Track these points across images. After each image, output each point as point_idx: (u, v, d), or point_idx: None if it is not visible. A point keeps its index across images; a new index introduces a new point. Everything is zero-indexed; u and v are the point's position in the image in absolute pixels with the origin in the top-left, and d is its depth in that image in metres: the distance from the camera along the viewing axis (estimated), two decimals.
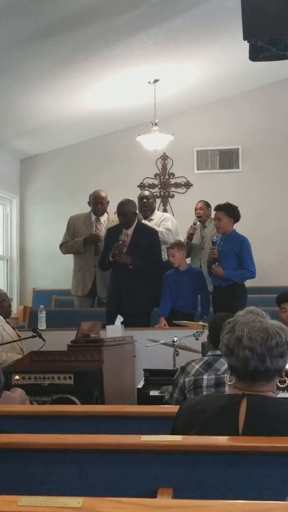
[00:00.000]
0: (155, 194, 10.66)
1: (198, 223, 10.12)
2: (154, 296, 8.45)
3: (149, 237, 8.52)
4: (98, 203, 9.21)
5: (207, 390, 4.49)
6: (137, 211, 8.75)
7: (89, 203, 9.49)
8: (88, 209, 9.48)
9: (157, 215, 9.63)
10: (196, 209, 10.23)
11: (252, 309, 2.88)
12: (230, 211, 8.08)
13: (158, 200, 11.07)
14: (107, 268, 8.56)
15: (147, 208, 9.39)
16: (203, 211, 10.14)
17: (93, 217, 9.30)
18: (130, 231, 8.44)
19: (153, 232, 8.67)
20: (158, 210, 10.30)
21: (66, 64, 8.85)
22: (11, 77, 8.78)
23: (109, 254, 8.28)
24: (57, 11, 7.35)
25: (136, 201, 9.06)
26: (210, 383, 4.51)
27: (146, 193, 9.80)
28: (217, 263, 8.01)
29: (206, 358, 4.67)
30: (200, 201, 10.31)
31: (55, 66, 8.85)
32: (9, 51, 8.02)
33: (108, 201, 9.26)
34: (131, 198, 8.69)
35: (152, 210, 9.50)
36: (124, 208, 8.42)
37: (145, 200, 9.42)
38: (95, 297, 9.25)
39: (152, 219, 9.37)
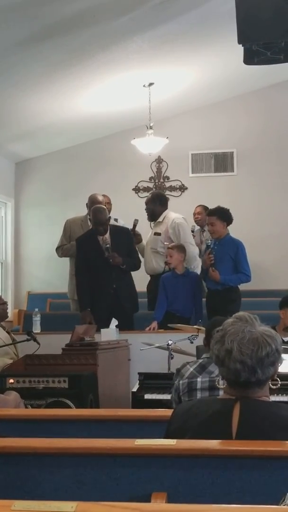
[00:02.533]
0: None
1: (196, 228, 10.12)
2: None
3: (125, 236, 8.57)
4: None
5: (201, 392, 4.48)
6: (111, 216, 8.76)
7: (86, 205, 9.53)
8: (84, 212, 9.46)
9: (167, 218, 9.35)
10: (194, 214, 10.23)
11: (241, 316, 2.85)
12: (222, 215, 8.09)
13: None
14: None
15: (148, 214, 9.23)
16: (201, 215, 10.14)
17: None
18: (106, 235, 8.41)
19: (125, 231, 8.72)
20: None
21: (61, 67, 8.86)
22: (6, 81, 8.78)
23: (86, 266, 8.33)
24: (52, 15, 7.36)
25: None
26: (204, 385, 4.51)
27: (147, 198, 9.60)
28: (213, 268, 8.01)
29: (200, 360, 4.67)
30: (199, 205, 10.31)
31: (50, 70, 8.85)
32: (4, 54, 8.02)
33: (107, 203, 9.22)
34: (100, 205, 8.61)
35: (153, 214, 9.15)
36: (102, 217, 8.35)
37: (145, 207, 9.27)
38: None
39: (160, 221, 9.17)
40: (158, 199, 9.48)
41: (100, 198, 9.15)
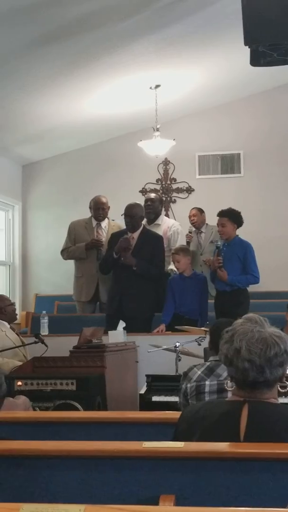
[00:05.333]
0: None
1: (193, 230, 10.15)
2: (156, 302, 8.44)
3: (154, 242, 8.54)
4: (99, 209, 9.19)
5: (209, 395, 4.48)
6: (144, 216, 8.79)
7: (90, 208, 9.51)
8: (89, 214, 9.47)
9: (165, 221, 9.58)
10: (190, 217, 10.25)
11: (250, 317, 2.86)
12: (233, 217, 8.09)
13: None
14: (109, 269, 8.56)
15: (150, 211, 9.38)
16: (196, 217, 10.16)
17: (94, 223, 9.28)
18: (135, 235, 8.46)
19: (158, 238, 8.68)
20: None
21: (67, 70, 8.86)
22: (12, 83, 8.79)
23: (109, 257, 8.32)
24: (58, 17, 7.36)
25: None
26: (212, 388, 4.50)
27: (152, 195, 9.78)
28: (221, 268, 8.00)
29: (208, 363, 4.66)
30: (193, 208, 10.33)
31: (56, 72, 8.86)
32: (11, 57, 8.03)
33: (109, 207, 9.25)
34: (139, 203, 8.75)
35: (156, 214, 9.47)
36: (132, 211, 8.46)
37: (149, 203, 9.41)
38: (97, 302, 9.24)
39: (158, 224, 9.33)
40: (161, 200, 9.61)
41: (104, 200, 9.20)
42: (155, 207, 9.43)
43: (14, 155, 11.67)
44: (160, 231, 9.18)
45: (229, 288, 8.00)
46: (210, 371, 4.56)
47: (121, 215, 8.64)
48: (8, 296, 11.20)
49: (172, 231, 9.30)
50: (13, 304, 7.60)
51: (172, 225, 9.46)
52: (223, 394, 4.35)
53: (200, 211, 10.15)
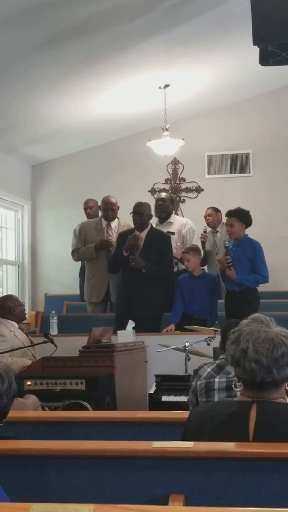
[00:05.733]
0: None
1: (208, 229, 10.14)
2: (166, 302, 8.44)
3: (162, 242, 8.54)
4: (108, 209, 9.20)
5: (219, 393, 4.48)
6: (152, 215, 8.79)
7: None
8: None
9: (177, 219, 9.57)
10: (205, 216, 10.24)
11: (256, 317, 2.85)
12: (242, 217, 8.06)
13: None
14: (118, 268, 8.56)
15: (162, 210, 9.36)
16: (211, 217, 10.17)
17: (104, 223, 9.29)
18: (143, 234, 8.46)
19: (166, 238, 8.67)
20: None
21: (76, 70, 8.87)
22: (21, 84, 8.81)
23: (121, 254, 8.32)
24: (67, 17, 7.37)
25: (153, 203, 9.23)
26: (221, 385, 4.50)
27: (163, 195, 9.77)
28: (230, 267, 7.99)
29: (218, 361, 4.67)
30: (209, 207, 10.32)
31: (65, 73, 8.87)
32: (20, 57, 8.05)
33: (119, 207, 9.25)
34: (147, 201, 8.76)
35: (167, 213, 9.44)
36: (141, 208, 8.49)
37: (160, 203, 9.38)
38: (108, 303, 9.25)
39: (171, 222, 9.33)
40: (172, 199, 9.61)
41: (113, 200, 9.20)
42: (166, 206, 9.42)
43: (23, 155, 11.69)
44: (173, 229, 9.18)
45: (238, 287, 7.98)
46: (219, 368, 4.56)
47: (130, 213, 8.64)
48: (18, 296, 11.25)
49: (187, 229, 9.27)
50: (22, 304, 7.61)
51: (186, 223, 9.43)
52: (232, 391, 4.35)
53: (216, 210, 10.13)
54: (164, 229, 9.10)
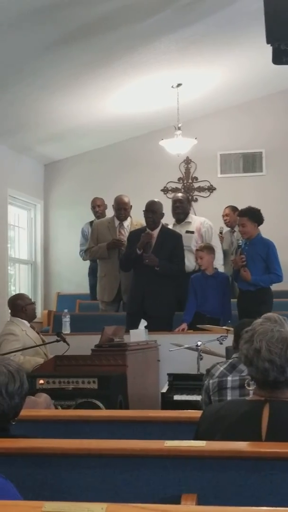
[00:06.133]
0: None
1: (225, 229, 10.12)
2: (177, 300, 8.45)
3: (174, 240, 8.53)
4: (121, 209, 9.19)
5: (232, 391, 4.47)
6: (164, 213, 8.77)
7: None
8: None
9: (195, 219, 9.49)
10: (223, 216, 10.21)
11: (270, 317, 2.85)
12: (253, 216, 8.01)
13: None
14: (130, 267, 8.54)
15: (180, 211, 9.28)
16: (229, 216, 10.16)
17: (117, 222, 9.29)
18: (155, 233, 8.45)
19: (177, 236, 8.67)
20: None
21: (89, 69, 8.88)
22: (34, 83, 8.82)
23: (134, 252, 8.31)
24: (80, 17, 7.38)
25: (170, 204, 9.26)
26: (234, 384, 4.50)
27: (179, 195, 9.60)
28: (245, 268, 7.95)
29: (230, 360, 4.66)
30: (227, 207, 10.29)
31: (78, 72, 8.88)
32: (32, 57, 8.06)
33: (131, 206, 9.25)
34: (160, 200, 8.76)
35: (186, 214, 9.33)
36: (155, 206, 8.48)
37: (178, 204, 9.28)
38: (120, 302, 9.25)
39: (189, 222, 9.28)
40: (188, 199, 9.57)
41: (126, 199, 9.20)
42: (184, 207, 9.30)
43: (36, 154, 11.71)
44: (192, 228, 9.14)
45: (253, 287, 7.96)
46: (232, 367, 4.56)
47: (143, 211, 8.63)
48: (30, 294, 11.28)
49: (206, 228, 9.20)
50: (33, 303, 7.62)
51: (204, 221, 9.34)
52: (245, 390, 4.35)
53: (234, 209, 10.07)
54: (183, 229, 9.07)
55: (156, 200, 8.67)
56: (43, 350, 7.12)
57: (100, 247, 9.12)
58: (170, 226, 9.21)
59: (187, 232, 9.01)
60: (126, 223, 9.26)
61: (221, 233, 10.09)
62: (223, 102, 11.33)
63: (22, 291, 10.89)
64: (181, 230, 9.03)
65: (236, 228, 9.96)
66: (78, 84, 9.24)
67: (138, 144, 11.93)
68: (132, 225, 9.22)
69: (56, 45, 7.93)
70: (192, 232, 9.06)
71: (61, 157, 12.20)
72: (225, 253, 9.81)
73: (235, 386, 4.48)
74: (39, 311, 11.50)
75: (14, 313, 7.32)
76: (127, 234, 9.05)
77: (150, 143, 11.48)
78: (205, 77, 10.13)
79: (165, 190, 11.79)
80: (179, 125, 10.35)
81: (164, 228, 8.67)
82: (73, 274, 11.80)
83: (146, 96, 10.22)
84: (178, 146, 10.58)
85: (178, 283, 8.45)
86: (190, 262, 8.82)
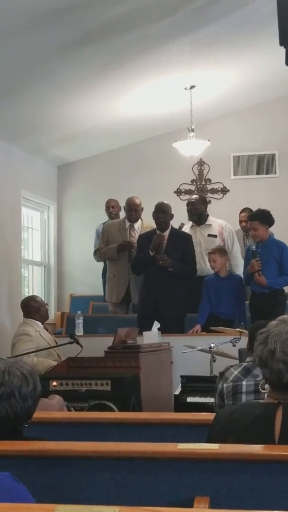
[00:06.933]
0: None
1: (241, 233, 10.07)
2: (188, 301, 8.45)
3: (184, 241, 8.55)
4: (132, 210, 9.20)
5: (246, 396, 4.46)
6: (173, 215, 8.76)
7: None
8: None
9: (215, 222, 9.32)
10: (241, 221, 10.07)
11: (285, 319, 2.86)
12: (264, 218, 7.98)
13: None
14: (143, 270, 8.53)
15: (192, 213, 9.20)
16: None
17: (127, 224, 9.30)
18: (165, 234, 8.45)
19: (187, 237, 8.68)
20: None
21: (102, 71, 8.89)
22: (48, 85, 8.84)
23: (147, 254, 8.30)
24: (93, 19, 7.38)
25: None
26: (249, 389, 4.49)
27: (193, 197, 9.53)
28: (259, 273, 7.92)
29: (245, 363, 4.65)
30: (244, 210, 10.15)
31: (91, 74, 8.89)
32: (46, 59, 8.07)
33: (142, 208, 9.25)
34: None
35: (199, 215, 9.21)
36: (165, 207, 8.51)
37: (190, 207, 9.22)
38: (129, 303, 9.26)
39: (209, 224, 9.24)
40: (204, 201, 9.52)
41: (137, 201, 9.21)
42: (196, 209, 9.19)
43: (49, 156, 11.73)
44: (215, 232, 9.09)
45: (267, 290, 7.93)
46: (247, 371, 4.55)
47: (153, 212, 8.63)
48: (43, 296, 11.32)
49: (228, 233, 9.11)
50: (46, 304, 7.66)
51: (226, 226, 9.23)
52: (260, 394, 4.34)
53: (251, 212, 10.04)
54: (205, 231, 9.03)
55: (165, 201, 8.66)
56: (56, 351, 7.14)
57: (110, 248, 9.14)
58: (187, 228, 9.20)
59: (209, 235, 8.98)
60: (137, 225, 9.26)
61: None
62: (236, 104, 11.32)
63: (35, 293, 10.93)
64: (202, 233, 9.01)
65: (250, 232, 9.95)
66: (92, 86, 9.25)
67: (151, 146, 11.93)
68: (142, 227, 9.22)
69: (70, 47, 7.94)
70: (215, 236, 9.01)
71: (74, 159, 12.21)
72: None
73: (250, 391, 4.47)
74: (52, 312, 11.52)
75: (28, 315, 7.35)
76: (137, 236, 9.04)
77: (163, 145, 11.48)
78: (218, 79, 10.12)
79: (178, 192, 11.78)
80: (193, 127, 10.35)
81: (174, 230, 8.67)
82: (86, 276, 11.81)
83: (159, 98, 10.22)
84: (191, 148, 10.57)
85: (190, 284, 8.46)
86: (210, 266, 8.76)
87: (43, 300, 7.91)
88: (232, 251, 9.00)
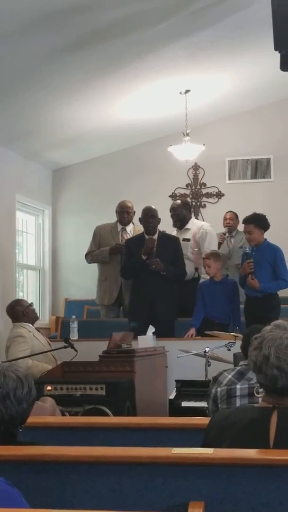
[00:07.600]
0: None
1: (227, 233, 10.14)
2: (183, 304, 8.48)
3: (173, 244, 8.58)
4: (124, 213, 9.25)
5: (241, 399, 4.46)
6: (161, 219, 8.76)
7: (116, 211, 9.60)
8: (114, 218, 9.54)
9: (195, 224, 9.43)
10: (225, 219, 10.23)
11: (279, 324, 2.86)
12: (259, 223, 7.99)
13: None
14: (134, 274, 8.50)
15: (174, 219, 9.26)
16: (232, 221, 10.17)
17: (119, 227, 9.33)
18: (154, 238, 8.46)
19: (175, 240, 8.72)
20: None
21: (97, 75, 8.89)
22: (43, 89, 8.83)
23: (138, 259, 8.29)
24: (88, 23, 7.39)
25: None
26: (243, 392, 4.49)
27: (175, 202, 9.65)
28: (252, 276, 7.93)
29: (238, 367, 4.65)
30: (229, 211, 10.30)
31: (86, 78, 8.89)
32: (41, 63, 8.07)
33: (134, 211, 9.27)
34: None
35: (181, 220, 9.29)
36: (154, 211, 8.51)
37: (172, 212, 9.28)
38: (120, 307, 9.27)
39: (188, 228, 9.26)
40: (187, 206, 9.56)
41: (129, 204, 9.25)
42: (177, 214, 9.27)
43: (44, 160, 11.72)
44: (189, 235, 9.15)
45: (261, 294, 7.94)
46: (240, 375, 4.54)
47: (139, 218, 8.63)
48: (38, 300, 11.31)
49: (201, 233, 9.20)
50: (31, 304, 7.60)
51: (202, 226, 9.34)
52: (254, 398, 4.33)
53: (236, 215, 10.13)
54: (181, 236, 9.08)
55: (152, 206, 8.64)
56: (51, 353, 7.12)
57: (102, 251, 9.17)
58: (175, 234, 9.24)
59: (184, 240, 9.01)
60: (129, 228, 9.30)
61: (224, 234, 10.10)
62: (231, 108, 11.33)
63: (30, 297, 10.92)
64: (180, 237, 9.04)
65: (234, 234, 10.04)
66: (87, 90, 9.25)
67: (146, 150, 11.94)
68: (134, 231, 9.27)
69: (65, 51, 7.94)
70: (188, 240, 9.06)
71: (69, 163, 12.21)
72: (223, 257, 9.76)
73: (244, 394, 4.47)
74: (47, 317, 11.51)
75: (16, 319, 7.31)
76: None
77: (158, 149, 11.48)
78: (214, 83, 10.13)
79: (173, 196, 11.78)
80: (188, 131, 10.36)
81: (162, 233, 8.67)
82: (81, 280, 11.79)
83: (154, 102, 10.23)
84: (186, 152, 10.58)
85: (181, 287, 8.49)
86: (187, 270, 8.79)
87: (27, 300, 7.89)
88: (202, 251, 8.94)
